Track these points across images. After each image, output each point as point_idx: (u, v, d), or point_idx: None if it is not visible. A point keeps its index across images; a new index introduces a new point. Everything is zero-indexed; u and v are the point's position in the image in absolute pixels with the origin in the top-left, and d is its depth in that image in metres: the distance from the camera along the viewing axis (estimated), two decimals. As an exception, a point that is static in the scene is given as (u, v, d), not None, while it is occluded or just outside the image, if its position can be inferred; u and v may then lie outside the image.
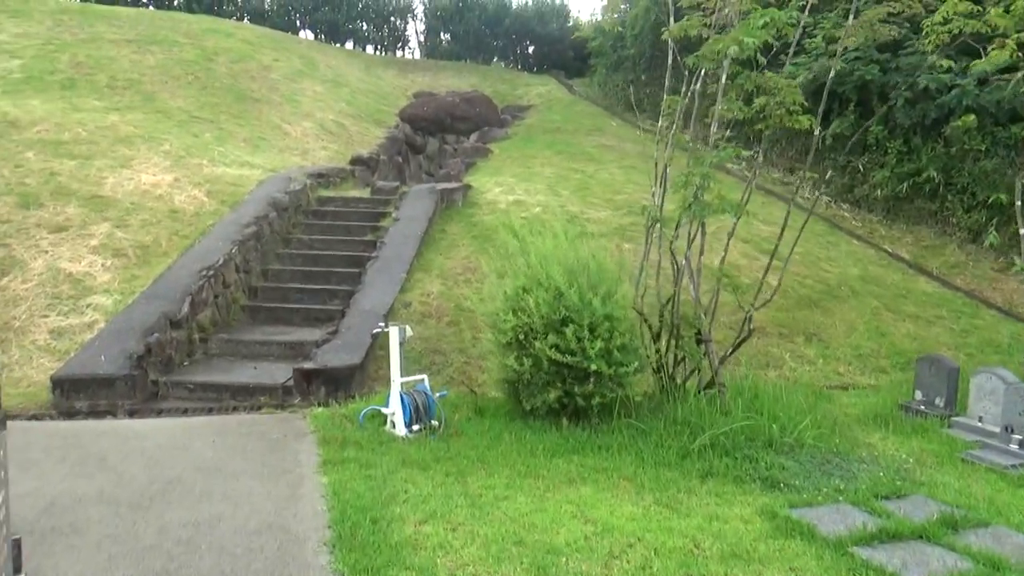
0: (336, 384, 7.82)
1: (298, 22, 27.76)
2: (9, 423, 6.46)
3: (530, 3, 29.49)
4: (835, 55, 7.92)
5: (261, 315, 9.88)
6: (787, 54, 7.92)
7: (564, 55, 28.63)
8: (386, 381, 8.33)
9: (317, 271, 10.64)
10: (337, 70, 21.45)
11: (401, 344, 7.43)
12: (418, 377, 7.13)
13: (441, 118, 18.98)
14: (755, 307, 7.56)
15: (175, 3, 26.71)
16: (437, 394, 6.99)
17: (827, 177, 15.62)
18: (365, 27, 28.37)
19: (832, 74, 7.90)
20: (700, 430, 6.32)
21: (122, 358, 7.68)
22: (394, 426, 6.74)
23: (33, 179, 10.55)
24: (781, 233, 7.74)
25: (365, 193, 13.59)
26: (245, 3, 27.35)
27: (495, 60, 29.50)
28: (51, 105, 13.24)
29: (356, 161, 15.35)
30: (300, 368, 7.80)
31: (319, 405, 7.68)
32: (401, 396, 6.75)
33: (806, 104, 7.43)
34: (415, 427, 6.67)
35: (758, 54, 6.99)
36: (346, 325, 8.73)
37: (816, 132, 7.71)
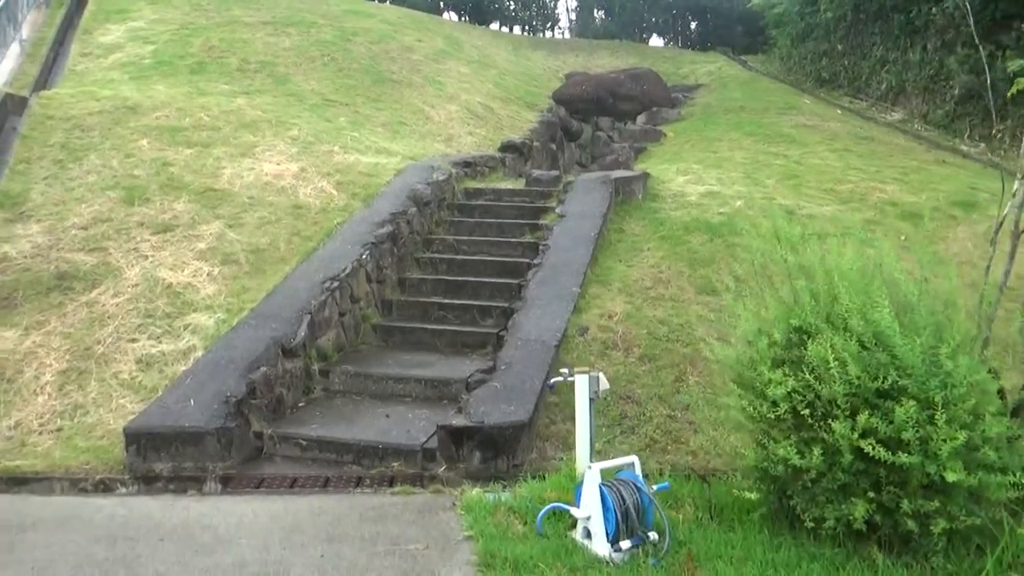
0: (495, 449, 5.54)
1: (441, 3, 26.14)
2: (41, 503, 4.61)
3: (694, -26, 26.41)
4: None
5: (396, 338, 7.79)
6: None
7: (731, 30, 25.34)
8: (560, 441, 5.98)
9: (465, 281, 8.45)
10: (483, 51, 19.45)
11: (592, 401, 5.04)
12: (624, 460, 4.67)
13: (602, 98, 16.47)
14: None
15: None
16: (654, 487, 4.52)
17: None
18: (512, 7, 26.32)
19: None
20: None
21: (217, 403, 5.75)
22: (590, 536, 4.34)
23: (143, 170, 9.02)
24: None
25: (519, 184, 11.34)
26: (387, -15, 26.04)
27: (652, 38, 26.63)
28: (176, 90, 11.90)
29: (507, 148, 13.16)
30: (447, 426, 5.57)
31: (471, 479, 5.44)
32: (601, 491, 4.33)
33: None
34: (624, 543, 4.24)
35: None
36: (505, 359, 6.43)
37: None
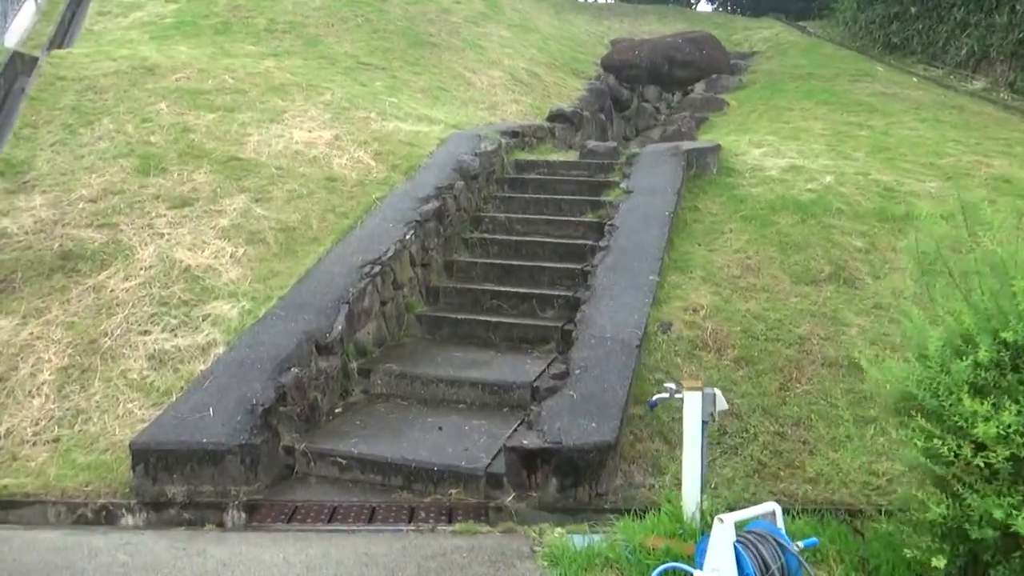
0: (575, 475, 4.55)
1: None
2: (24, 544, 3.69)
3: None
4: None
5: (444, 330, 6.80)
6: None
7: (785, -6, 23.76)
8: (648, 463, 4.98)
9: (520, 266, 7.42)
10: (524, 14, 18.20)
11: (705, 424, 4.04)
12: (762, 509, 3.63)
13: (657, 64, 15.19)
14: None
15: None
16: (800, 543, 3.49)
17: None
18: (551, -30, 24.86)
19: None
20: None
21: (241, 412, 4.81)
22: (717, 608, 3.33)
23: (160, 136, 8.06)
24: None
25: (572, 156, 10.25)
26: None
27: (701, 3, 25.13)
28: (199, 51, 10.92)
29: (556, 117, 12.04)
30: (518, 448, 4.57)
31: (546, 510, 4.47)
32: (736, 551, 3.31)
33: None
34: (766, 622, 3.22)
35: None
36: (578, 361, 5.41)
37: None
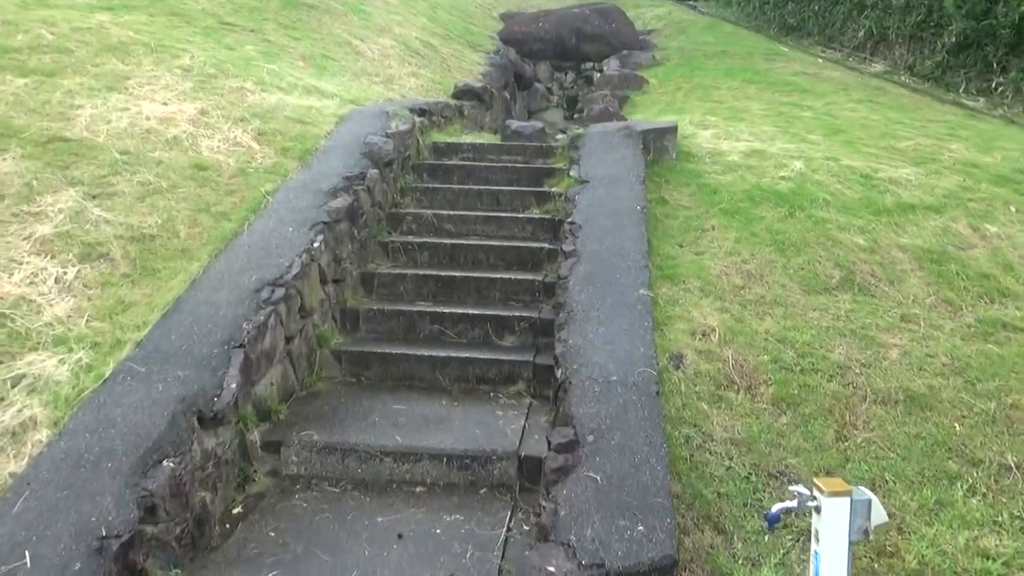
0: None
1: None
2: None
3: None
4: None
5: (373, 370, 5.07)
6: None
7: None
8: (706, 570, 3.56)
9: (462, 278, 5.79)
10: (407, -20, 16.27)
11: (851, 544, 2.63)
12: None
13: (563, 37, 13.81)
14: None
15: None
16: None
17: None
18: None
19: None
20: None
21: (80, 553, 2.93)
22: None
23: (-57, 108, 5.73)
24: None
25: (493, 139, 8.70)
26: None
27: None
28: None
29: (464, 93, 10.38)
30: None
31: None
32: None
33: None
34: None
35: None
36: (585, 419, 3.89)
37: None
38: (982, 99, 13.35)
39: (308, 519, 3.73)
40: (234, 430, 3.99)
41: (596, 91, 11.72)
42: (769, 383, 4.56)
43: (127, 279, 4.57)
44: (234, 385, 3.93)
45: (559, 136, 9.09)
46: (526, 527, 3.75)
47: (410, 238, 6.29)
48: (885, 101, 10.80)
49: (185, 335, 4.13)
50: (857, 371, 4.75)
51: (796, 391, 4.52)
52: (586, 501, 3.39)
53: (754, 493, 3.90)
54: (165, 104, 6.55)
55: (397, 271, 5.88)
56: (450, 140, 7.97)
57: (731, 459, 4.07)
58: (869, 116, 9.68)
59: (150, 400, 3.67)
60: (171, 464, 3.38)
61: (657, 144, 7.30)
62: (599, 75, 13.40)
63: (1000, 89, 13.39)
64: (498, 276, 5.77)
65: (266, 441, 4.17)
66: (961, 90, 13.74)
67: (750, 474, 4.00)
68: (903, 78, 14.47)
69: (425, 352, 5.06)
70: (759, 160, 7.56)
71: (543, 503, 3.45)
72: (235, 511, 3.80)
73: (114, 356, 4.00)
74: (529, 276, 5.77)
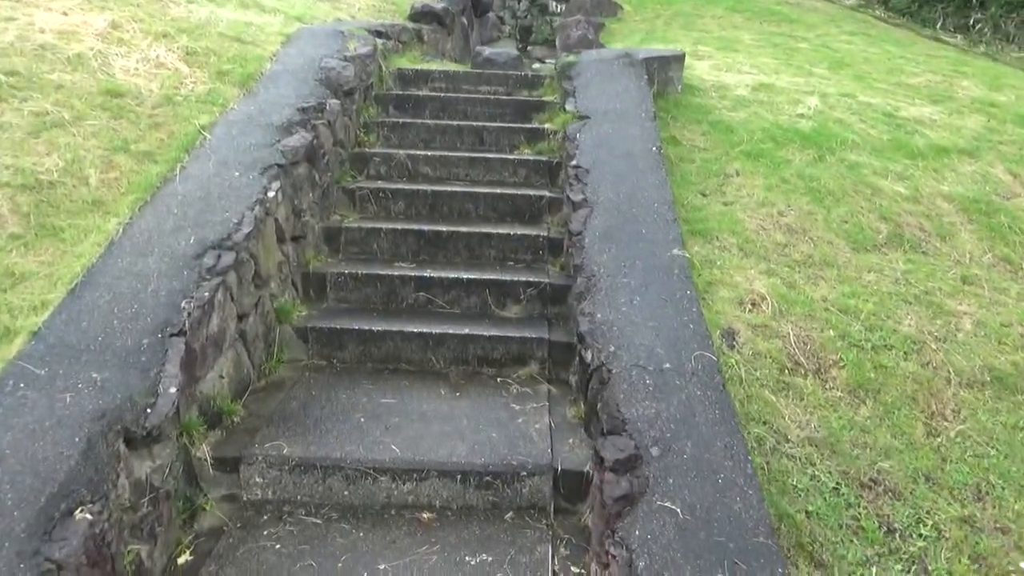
0: None
1: None
2: None
3: None
4: None
5: (348, 351, 4.07)
6: None
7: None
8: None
9: (448, 233, 4.77)
10: None
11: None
12: None
13: (524, -43, 12.53)
14: None
15: None
16: None
17: None
18: None
19: None
20: None
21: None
22: None
23: None
24: None
25: (462, 66, 7.56)
26: None
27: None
28: None
29: (423, 16, 9.11)
30: None
31: None
32: None
33: None
34: None
35: None
36: (642, 423, 3.02)
37: None
38: (959, 36, 12.78)
39: (284, 570, 2.77)
40: (175, 448, 2.96)
41: (568, 17, 10.59)
42: (840, 365, 3.77)
43: (17, 241, 3.41)
44: (173, 388, 2.90)
45: (536, 66, 8.03)
46: (574, 569, 2.89)
47: (380, 183, 5.21)
48: (877, 34, 10.05)
49: (102, 320, 3.05)
50: (933, 347, 4.00)
51: (872, 374, 3.75)
52: (668, 544, 2.53)
53: (847, 509, 3.13)
54: (65, 15, 5.21)
55: (368, 225, 4.81)
56: (418, 67, 6.82)
57: (813, 465, 3.28)
58: (868, 49, 8.91)
59: (54, 419, 2.61)
60: (87, 516, 2.37)
61: (661, 75, 6.34)
62: (564, 4, 12.20)
63: (978, 26, 12.84)
64: (492, 231, 4.77)
65: (219, 457, 3.16)
66: (938, 26, 13.13)
67: (839, 484, 3.22)
68: (877, 12, 13.77)
69: (413, 328, 4.08)
70: (769, 95, 6.70)
71: (611, 549, 2.57)
72: (181, 560, 2.81)
73: (4, 349, 2.90)
74: (529, 231, 4.81)
